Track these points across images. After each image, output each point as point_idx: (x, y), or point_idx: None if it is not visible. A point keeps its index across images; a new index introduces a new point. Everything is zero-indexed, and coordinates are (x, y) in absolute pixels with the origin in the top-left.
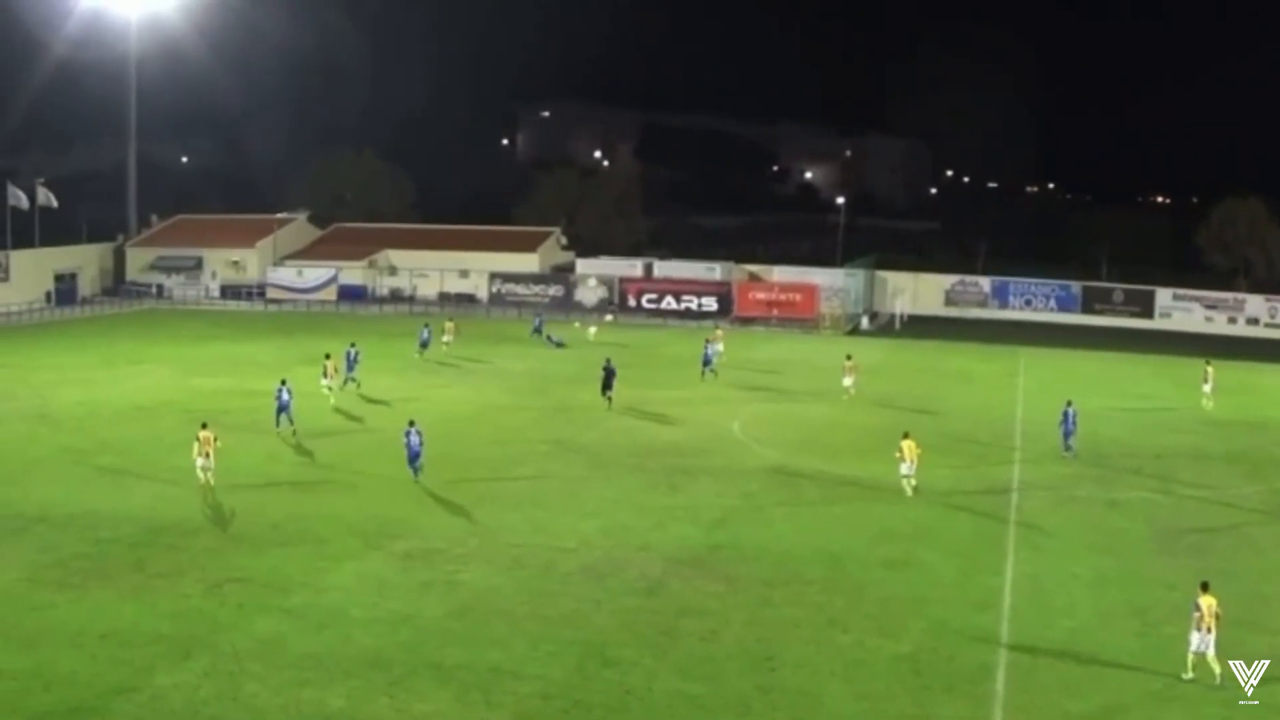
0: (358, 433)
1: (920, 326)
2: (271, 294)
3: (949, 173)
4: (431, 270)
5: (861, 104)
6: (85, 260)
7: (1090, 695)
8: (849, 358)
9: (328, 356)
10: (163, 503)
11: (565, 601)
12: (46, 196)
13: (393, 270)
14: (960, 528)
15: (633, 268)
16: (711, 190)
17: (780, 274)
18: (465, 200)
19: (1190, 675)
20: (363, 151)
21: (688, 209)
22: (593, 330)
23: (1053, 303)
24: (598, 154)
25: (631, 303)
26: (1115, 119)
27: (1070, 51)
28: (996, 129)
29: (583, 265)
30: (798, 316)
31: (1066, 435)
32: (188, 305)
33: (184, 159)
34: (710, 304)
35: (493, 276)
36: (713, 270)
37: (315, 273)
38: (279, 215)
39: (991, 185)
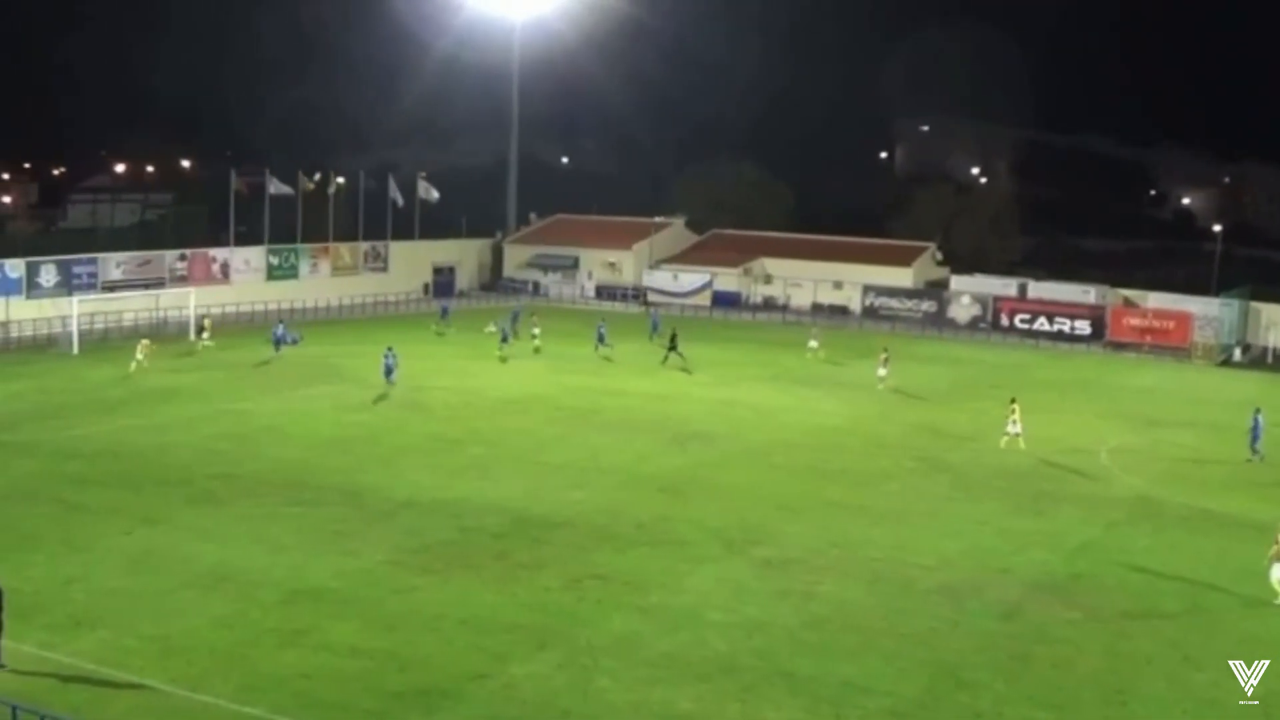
0: (728, 439)
1: None
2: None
3: None
4: (805, 280)
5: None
6: (464, 254)
7: None
8: (885, 349)
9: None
10: (528, 495)
11: (921, 620)
12: (426, 189)
13: (768, 279)
14: None
15: (1007, 287)
16: (1088, 212)
17: (1155, 300)
18: (841, 212)
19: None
20: (741, 159)
21: (1064, 229)
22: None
23: None
24: (975, 170)
25: (1004, 322)
26: None
27: None
28: None
29: (956, 282)
30: (1170, 344)
31: (1254, 440)
32: (563, 304)
33: (564, 159)
34: (1083, 327)
35: (866, 289)
36: (1087, 293)
37: (690, 277)
38: (656, 219)
39: None
